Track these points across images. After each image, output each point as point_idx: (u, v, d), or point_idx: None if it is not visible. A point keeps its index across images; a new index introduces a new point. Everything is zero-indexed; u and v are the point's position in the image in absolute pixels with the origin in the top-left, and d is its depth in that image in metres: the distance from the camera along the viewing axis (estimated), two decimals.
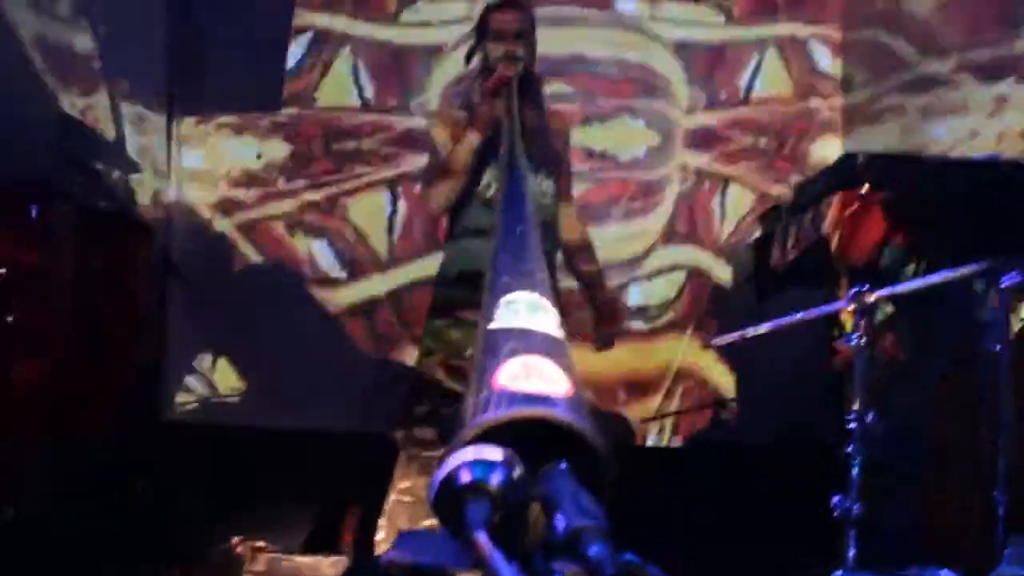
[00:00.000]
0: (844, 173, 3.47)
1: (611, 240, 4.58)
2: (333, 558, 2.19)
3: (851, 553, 2.16)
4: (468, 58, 3.29)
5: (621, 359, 4.42)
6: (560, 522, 1.09)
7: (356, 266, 4.68)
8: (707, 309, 4.69)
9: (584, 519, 1.08)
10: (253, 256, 4.66)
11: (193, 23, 4.55)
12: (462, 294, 3.03)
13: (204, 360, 4.59)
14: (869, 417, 2.28)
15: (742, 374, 4.64)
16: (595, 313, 3.33)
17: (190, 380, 4.58)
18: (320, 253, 4.68)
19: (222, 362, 4.60)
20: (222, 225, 4.64)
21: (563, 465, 1.24)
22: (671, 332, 4.72)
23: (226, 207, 4.64)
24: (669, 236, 4.79)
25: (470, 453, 1.16)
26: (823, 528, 2.31)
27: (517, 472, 1.15)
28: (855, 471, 2.24)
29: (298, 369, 4.50)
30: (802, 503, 2.68)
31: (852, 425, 2.27)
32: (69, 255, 3.52)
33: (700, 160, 4.81)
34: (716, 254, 4.73)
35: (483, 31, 3.23)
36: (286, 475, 4.07)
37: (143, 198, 4.41)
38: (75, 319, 3.59)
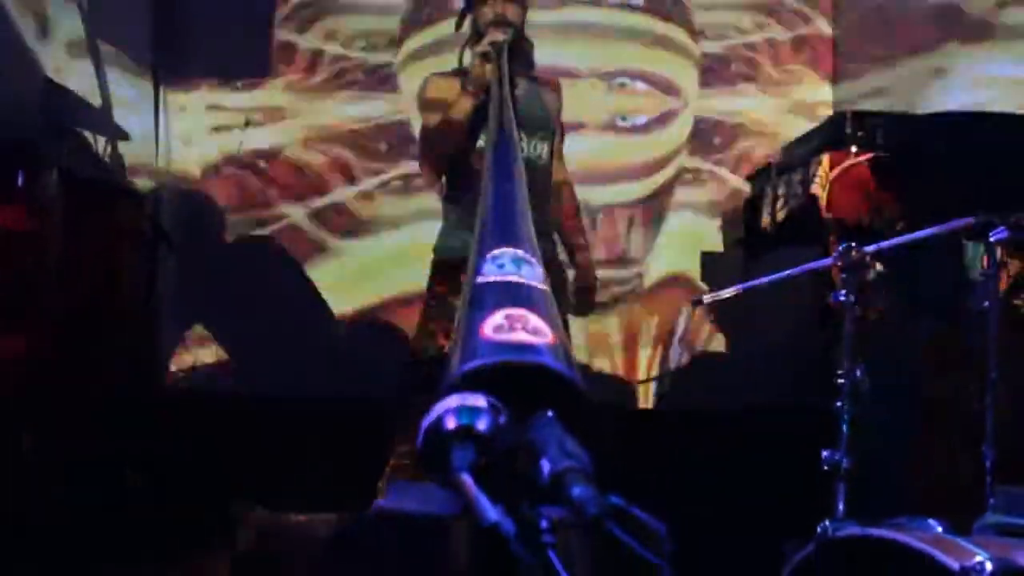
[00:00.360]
0: (832, 132, 3.46)
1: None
2: (325, 515, 2.21)
3: (840, 506, 2.19)
4: (459, 23, 3.27)
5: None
6: (545, 466, 1.10)
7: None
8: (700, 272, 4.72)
9: (568, 462, 1.09)
10: (244, 223, 4.65)
11: None
12: (461, 260, 3.02)
13: (197, 329, 4.59)
14: (857, 373, 2.30)
15: (735, 337, 4.67)
16: (575, 279, 3.35)
17: (183, 350, 4.59)
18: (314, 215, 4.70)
19: (216, 331, 4.61)
20: (212, 192, 4.64)
21: (549, 413, 1.25)
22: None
23: (216, 173, 4.63)
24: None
25: (455, 400, 1.17)
26: (816, 486, 2.33)
27: (502, 418, 1.16)
28: (844, 426, 2.26)
29: (293, 336, 4.51)
30: (794, 463, 2.70)
31: (841, 381, 2.29)
32: (57, 222, 3.50)
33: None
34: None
35: None
36: (283, 442, 4.08)
37: (132, 165, 4.40)
38: (64, 288, 3.58)
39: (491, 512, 0.99)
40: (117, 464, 3.64)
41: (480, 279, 1.56)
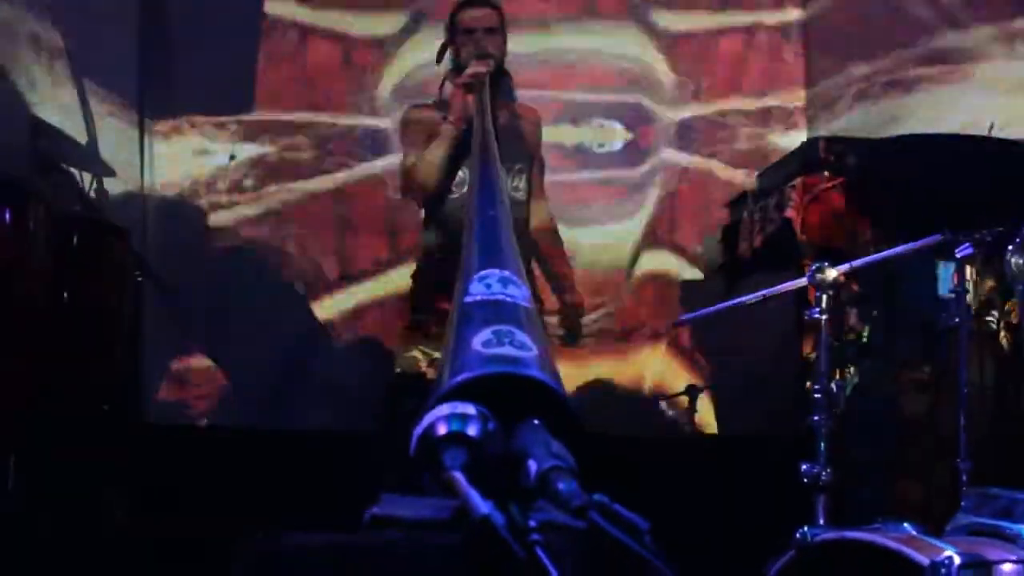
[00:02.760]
0: (806, 158, 3.55)
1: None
2: (315, 534, 2.24)
3: (820, 519, 2.24)
4: (440, 56, 3.34)
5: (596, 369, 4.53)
6: (532, 466, 1.15)
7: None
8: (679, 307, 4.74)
9: (554, 461, 1.14)
10: (230, 258, 4.68)
11: (164, 23, 4.57)
12: (440, 291, 3.07)
13: (181, 363, 4.61)
14: (833, 388, 2.36)
15: (715, 365, 4.70)
16: (562, 310, 3.39)
17: (167, 383, 4.60)
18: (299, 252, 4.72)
19: (200, 364, 4.62)
20: (198, 227, 4.67)
21: (535, 421, 1.31)
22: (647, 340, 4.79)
23: (202, 209, 4.67)
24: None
25: (445, 409, 1.22)
26: (796, 505, 2.38)
27: (491, 425, 1.22)
28: (821, 440, 2.32)
29: (279, 369, 4.52)
30: (774, 485, 2.75)
31: (818, 396, 2.35)
32: (43, 258, 3.53)
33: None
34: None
35: (454, 28, 3.28)
36: (269, 475, 4.09)
37: (117, 201, 4.43)
38: (49, 323, 3.60)
39: (482, 505, 1.04)
40: (103, 492, 3.65)
41: (468, 298, 1.62)
